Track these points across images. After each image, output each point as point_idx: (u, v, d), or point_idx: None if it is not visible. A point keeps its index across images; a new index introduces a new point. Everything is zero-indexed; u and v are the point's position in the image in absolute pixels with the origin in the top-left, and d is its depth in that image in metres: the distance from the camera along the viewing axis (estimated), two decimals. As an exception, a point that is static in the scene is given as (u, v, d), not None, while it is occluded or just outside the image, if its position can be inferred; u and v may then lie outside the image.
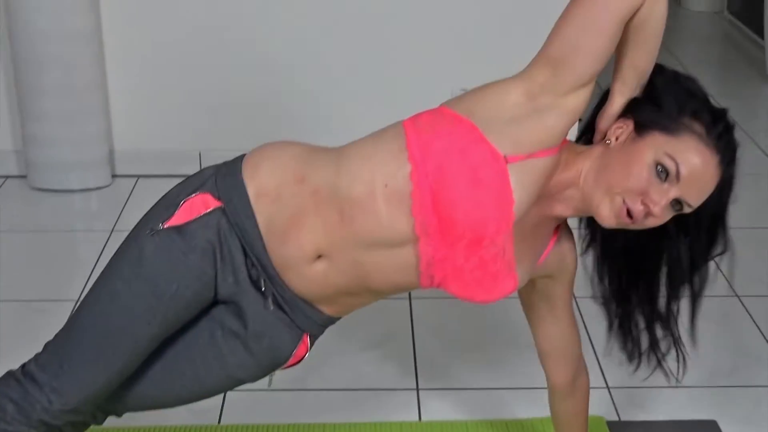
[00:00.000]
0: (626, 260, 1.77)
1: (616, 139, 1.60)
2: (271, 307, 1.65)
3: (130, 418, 1.98)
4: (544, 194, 1.62)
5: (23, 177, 3.49)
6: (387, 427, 2.22)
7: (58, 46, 3.22)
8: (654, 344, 1.80)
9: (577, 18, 1.53)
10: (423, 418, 2.28)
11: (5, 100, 3.43)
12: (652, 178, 1.54)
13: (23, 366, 1.70)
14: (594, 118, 1.66)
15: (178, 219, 1.61)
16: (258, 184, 1.62)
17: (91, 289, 1.69)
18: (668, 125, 1.55)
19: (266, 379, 1.78)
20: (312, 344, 1.74)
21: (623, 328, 1.82)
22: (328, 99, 3.47)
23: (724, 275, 2.87)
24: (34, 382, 1.66)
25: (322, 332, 1.76)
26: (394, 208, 1.55)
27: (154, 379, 1.73)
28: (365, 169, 1.57)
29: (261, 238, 1.61)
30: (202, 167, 3.43)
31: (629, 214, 1.56)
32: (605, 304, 1.82)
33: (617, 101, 1.60)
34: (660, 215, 1.55)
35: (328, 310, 1.70)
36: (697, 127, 1.55)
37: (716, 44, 5.35)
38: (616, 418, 2.28)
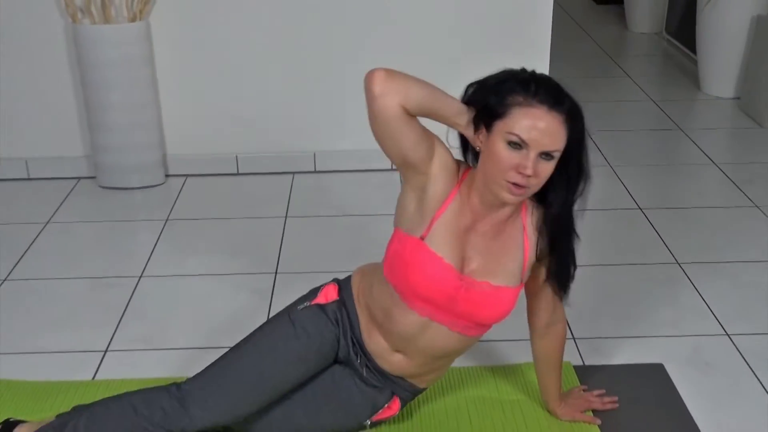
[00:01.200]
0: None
1: (480, 143, 1.66)
2: (365, 373, 1.90)
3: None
4: (468, 223, 1.74)
5: (93, 178, 3.50)
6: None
7: (119, 71, 3.23)
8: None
9: (380, 140, 1.68)
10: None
11: (77, 115, 3.43)
12: (511, 153, 1.60)
13: (180, 385, 1.82)
14: (466, 146, 1.76)
15: (318, 300, 1.90)
16: (357, 288, 1.92)
17: (247, 342, 1.87)
18: (498, 113, 1.61)
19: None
20: (403, 406, 1.97)
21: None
22: (347, 105, 3.46)
23: (668, 248, 2.90)
24: (183, 402, 1.78)
25: (412, 399, 1.99)
26: (402, 312, 1.79)
27: (281, 413, 1.87)
28: (378, 299, 1.84)
29: (360, 328, 1.89)
30: (239, 168, 3.51)
31: (517, 185, 1.62)
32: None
33: (462, 130, 1.69)
34: (535, 172, 1.61)
35: (415, 382, 1.93)
36: (518, 98, 1.60)
37: (657, 59, 5.34)
38: (581, 363, 2.29)
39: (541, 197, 1.75)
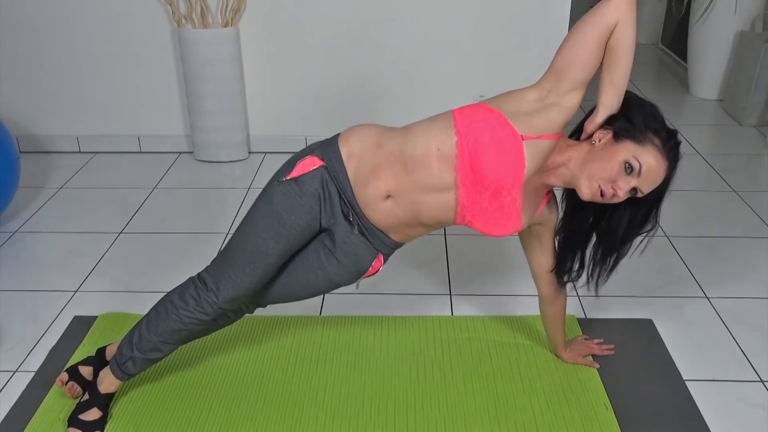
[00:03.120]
0: (585, 220, 1.75)
1: (599, 140, 1.58)
2: (356, 232, 1.68)
3: (263, 311, 1.98)
4: (543, 168, 1.61)
5: (191, 152, 3.51)
6: (429, 319, 2.20)
7: (213, 67, 3.21)
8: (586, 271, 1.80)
9: (571, 39, 1.53)
10: (454, 314, 2.26)
11: (179, 102, 3.43)
12: (622, 172, 1.54)
13: (198, 274, 1.77)
14: (582, 124, 1.64)
15: (295, 173, 1.64)
16: (348, 149, 1.65)
17: (240, 224, 1.73)
18: (636, 136, 1.54)
19: (354, 284, 1.82)
20: (385, 261, 1.76)
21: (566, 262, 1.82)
22: (400, 96, 3.41)
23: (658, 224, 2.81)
24: (204, 284, 1.73)
25: (392, 253, 1.77)
26: (443, 165, 1.57)
27: (282, 283, 1.77)
28: (424, 138, 1.60)
29: (350, 185, 1.64)
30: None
31: (602, 194, 1.56)
32: (562, 247, 1.80)
33: (601, 114, 1.58)
34: (622, 197, 1.56)
35: (394, 237, 1.72)
36: (657, 140, 1.54)
37: (653, 66, 5.18)
38: (584, 317, 2.24)
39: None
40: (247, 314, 1.91)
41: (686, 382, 1.95)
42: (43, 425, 1.80)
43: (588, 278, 1.78)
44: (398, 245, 1.76)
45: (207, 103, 3.27)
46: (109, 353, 1.93)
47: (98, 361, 1.92)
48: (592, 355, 2.04)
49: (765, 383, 1.95)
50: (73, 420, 1.77)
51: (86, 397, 1.82)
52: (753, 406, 1.87)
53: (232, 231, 2.76)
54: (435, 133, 1.58)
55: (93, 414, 1.78)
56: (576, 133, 1.67)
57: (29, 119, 3.47)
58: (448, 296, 2.34)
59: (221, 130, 3.34)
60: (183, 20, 3.18)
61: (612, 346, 2.06)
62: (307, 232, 1.69)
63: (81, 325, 2.19)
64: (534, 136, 1.54)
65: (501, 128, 1.53)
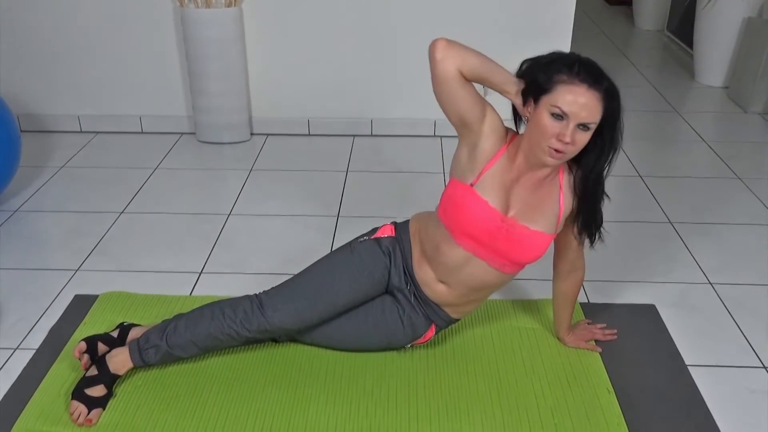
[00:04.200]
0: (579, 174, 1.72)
1: (528, 114, 1.60)
2: (413, 301, 1.87)
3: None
4: (514, 176, 1.68)
5: (192, 133, 3.49)
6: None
7: (216, 47, 3.18)
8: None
9: (443, 101, 1.62)
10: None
11: (181, 82, 3.41)
12: (553, 123, 1.54)
13: (258, 294, 1.85)
14: (516, 115, 1.70)
15: (376, 236, 1.90)
16: (413, 228, 1.89)
17: (313, 264, 1.88)
18: (545, 88, 1.55)
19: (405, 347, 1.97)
20: (437, 333, 1.93)
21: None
22: (400, 79, 3.38)
23: (662, 210, 2.80)
24: (261, 304, 1.82)
25: (445, 327, 1.94)
26: (449, 246, 1.76)
27: (337, 326, 1.89)
28: (431, 235, 1.81)
29: (412, 260, 1.85)
30: (310, 130, 3.48)
31: (556, 151, 1.57)
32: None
33: (514, 99, 1.62)
34: (573, 141, 1.55)
35: (452, 312, 1.89)
36: (563, 76, 1.54)
37: (659, 52, 5.14)
38: (587, 301, 2.23)
39: (577, 162, 1.69)
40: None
41: (689, 368, 1.94)
42: (45, 401, 1.79)
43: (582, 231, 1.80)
44: (452, 321, 1.92)
45: (209, 84, 3.25)
46: (131, 337, 1.92)
47: (119, 341, 1.92)
48: (595, 340, 2.03)
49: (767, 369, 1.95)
50: (78, 393, 1.76)
51: (93, 372, 1.81)
52: (755, 392, 1.87)
53: (234, 212, 2.75)
54: (433, 227, 1.80)
55: (99, 390, 1.78)
56: (518, 125, 1.73)
57: (31, 98, 3.45)
58: (451, 279, 2.33)
59: (223, 111, 3.32)
60: (186, 0, 3.16)
61: (615, 332, 2.05)
62: (377, 286, 1.86)
63: (82, 304, 2.18)
64: (478, 174, 1.66)
65: (455, 191, 1.71)
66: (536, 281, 2.29)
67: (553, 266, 1.92)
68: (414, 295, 1.86)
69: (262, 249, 2.51)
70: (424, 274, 1.83)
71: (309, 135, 3.49)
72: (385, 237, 1.89)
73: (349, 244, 1.91)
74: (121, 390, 1.84)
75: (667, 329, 2.09)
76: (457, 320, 1.93)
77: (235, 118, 3.36)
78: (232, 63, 3.24)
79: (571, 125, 1.54)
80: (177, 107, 3.46)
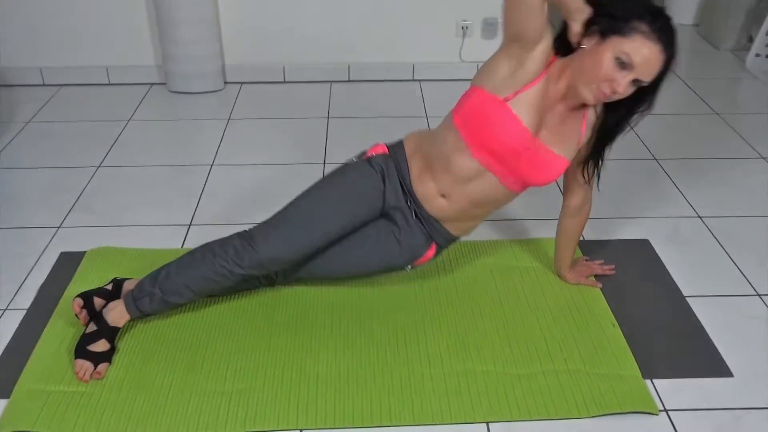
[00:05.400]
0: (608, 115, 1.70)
1: (585, 44, 1.55)
2: (414, 218, 1.79)
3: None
4: (549, 103, 1.63)
5: (163, 84, 3.36)
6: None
7: (184, -9, 3.05)
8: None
9: (510, 14, 1.53)
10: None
11: (149, 30, 3.27)
12: (615, 68, 1.51)
13: (247, 229, 1.77)
14: (563, 37, 1.60)
15: (367, 155, 1.81)
16: (409, 147, 1.81)
17: (304, 192, 1.79)
18: (621, 29, 1.50)
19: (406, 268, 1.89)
20: (438, 252, 1.87)
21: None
22: (375, 24, 3.30)
23: (647, 147, 2.83)
24: (251, 238, 1.74)
25: (446, 246, 1.88)
26: (462, 157, 1.68)
27: (334, 256, 1.82)
28: (440, 139, 1.72)
29: (410, 176, 1.78)
30: (285, 77, 3.38)
31: (603, 95, 1.54)
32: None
33: (575, 25, 1.55)
34: (623, 92, 1.54)
35: (452, 229, 1.83)
36: (643, 26, 1.49)
37: None
38: (582, 239, 2.24)
39: (607, 105, 1.66)
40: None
41: (686, 299, 1.98)
42: (45, 361, 1.74)
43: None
44: (454, 238, 1.86)
45: (179, 31, 3.12)
46: (126, 290, 1.86)
47: (113, 294, 1.86)
48: (595, 276, 2.05)
49: (762, 297, 1.99)
50: (81, 350, 1.71)
51: (93, 328, 1.76)
52: (752, 318, 1.92)
53: (216, 162, 2.68)
54: (445, 134, 1.70)
55: (102, 345, 1.73)
56: (562, 47, 1.63)
57: (-13, 50, 3.28)
58: (446, 222, 2.32)
59: (195, 59, 3.20)
60: (151, -59, 3.00)
61: (613, 267, 2.08)
62: (372, 208, 1.78)
63: (69, 261, 2.11)
64: (516, 91, 1.58)
65: (484, 103, 1.61)
66: (534, 221, 2.30)
67: (564, 203, 1.91)
68: (414, 212, 1.80)
69: (251, 198, 2.45)
70: (425, 188, 1.76)
71: (285, 82, 3.40)
72: (376, 155, 1.81)
73: (340, 168, 1.82)
74: (123, 346, 1.79)
75: (662, 262, 2.13)
76: (458, 238, 1.88)
77: (207, 66, 3.25)
78: (203, 8, 3.11)
79: (630, 77, 1.51)
80: (145, 57, 3.33)
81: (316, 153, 2.75)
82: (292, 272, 1.87)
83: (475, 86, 1.66)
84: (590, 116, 1.70)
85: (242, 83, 3.39)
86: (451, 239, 1.87)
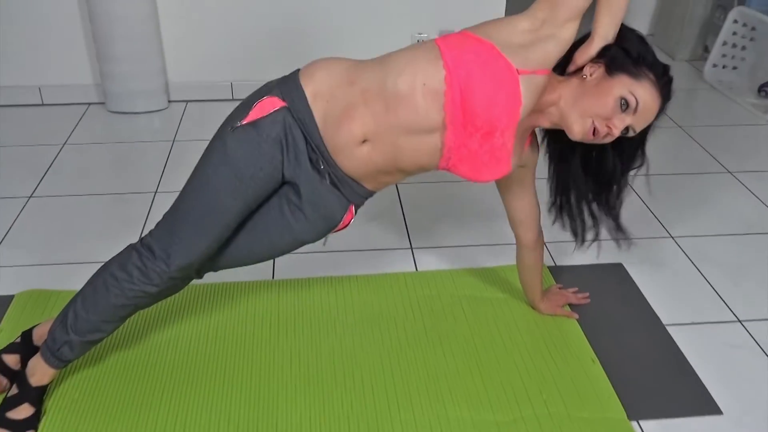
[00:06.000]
0: (574, 164, 1.61)
1: (591, 74, 1.44)
2: (327, 182, 1.49)
3: (210, 278, 1.77)
4: (535, 107, 1.47)
5: (102, 103, 3.15)
6: (393, 277, 2.04)
7: (122, 5, 2.85)
8: (583, 227, 1.72)
9: None
10: (419, 269, 2.10)
11: (85, 46, 3.05)
12: (617, 108, 1.40)
13: (141, 240, 1.52)
14: (570, 55, 1.46)
15: (252, 117, 1.42)
16: (314, 87, 1.43)
17: (189, 178, 1.50)
18: (632, 70, 1.41)
19: (322, 241, 1.63)
20: (356, 213, 1.58)
21: (564, 214, 1.71)
22: (335, 35, 3.15)
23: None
24: (150, 252, 1.49)
25: (363, 203, 1.59)
26: (430, 103, 1.39)
27: (240, 244, 1.55)
28: (407, 72, 1.40)
29: (318, 129, 1.44)
30: (234, 94, 3.20)
31: (594, 132, 1.42)
32: (554, 195, 1.69)
33: (596, 44, 1.42)
34: (616, 135, 1.42)
35: (368, 185, 1.54)
36: (651, 75, 1.42)
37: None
38: (554, 264, 2.13)
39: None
40: (195, 281, 1.68)
41: (667, 327, 1.88)
42: (-37, 430, 1.53)
43: (599, 228, 1.71)
44: (371, 194, 1.59)
45: (117, 47, 2.92)
46: (38, 337, 1.66)
47: (25, 347, 1.66)
48: (569, 305, 1.94)
49: (743, 323, 1.91)
50: (0, 419, 1.51)
51: (14, 391, 1.56)
52: (735, 347, 1.83)
53: (161, 189, 2.49)
54: (420, 66, 1.39)
55: (24, 411, 1.53)
56: (559, 66, 1.50)
57: None
58: (410, 250, 2.18)
59: (135, 76, 3.00)
60: (84, -49, 2.80)
61: (587, 295, 1.97)
62: (269, 185, 1.48)
63: (-5, 307, 1.90)
64: (530, 70, 1.38)
65: (494, 61, 1.36)
66: (484, 247, 2.19)
67: (520, 240, 1.78)
68: (329, 174, 1.48)
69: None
70: (346, 134, 1.42)
71: (233, 100, 3.22)
72: (266, 116, 1.41)
73: (221, 136, 1.46)
74: (53, 405, 1.60)
75: (638, 288, 2.03)
76: (373, 193, 1.58)
77: (149, 84, 3.05)
78: (142, 22, 2.91)
79: (628, 121, 1.41)
80: (82, 75, 3.11)
81: (268, 176, 2.58)
82: (206, 267, 1.62)
83: (477, 36, 1.39)
84: (533, 146, 1.61)
85: (187, 101, 3.20)
86: (368, 194, 1.58)
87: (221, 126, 1.48)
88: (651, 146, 1.58)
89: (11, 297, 1.93)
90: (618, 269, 2.11)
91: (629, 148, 1.55)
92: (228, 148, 1.42)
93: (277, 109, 1.41)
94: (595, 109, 1.41)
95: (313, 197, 1.49)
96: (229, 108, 3.17)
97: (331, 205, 1.52)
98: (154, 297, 1.56)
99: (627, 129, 1.43)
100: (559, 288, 1.99)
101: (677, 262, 2.15)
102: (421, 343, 1.80)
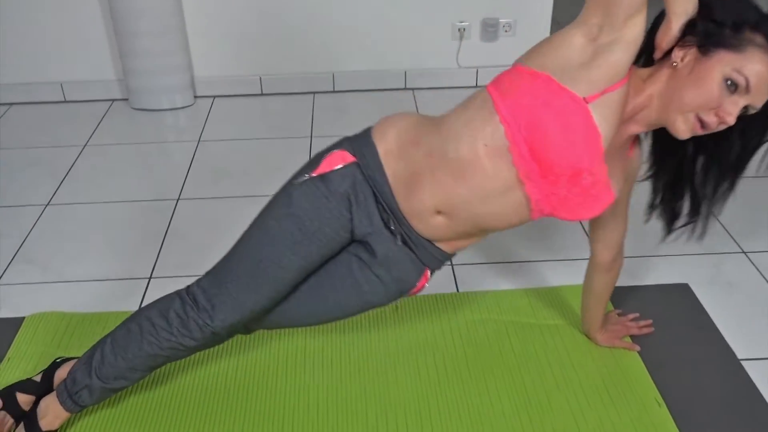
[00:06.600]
0: (683, 155, 1.35)
1: (682, 60, 1.18)
2: (400, 244, 1.37)
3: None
4: (623, 118, 1.24)
5: (125, 100, 3.02)
6: (432, 299, 1.86)
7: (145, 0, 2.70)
8: (693, 216, 1.40)
9: None
10: (460, 289, 1.92)
11: (107, 42, 2.91)
12: (723, 92, 1.15)
13: (187, 287, 1.39)
14: (650, 41, 1.22)
15: (320, 170, 1.34)
16: (385, 144, 1.33)
17: (247, 228, 1.39)
18: (732, 42, 1.14)
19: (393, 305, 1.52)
20: (431, 276, 1.46)
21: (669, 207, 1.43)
22: (362, 27, 2.96)
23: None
24: (195, 302, 1.37)
25: (441, 267, 1.47)
26: (498, 163, 1.23)
27: (301, 302, 1.41)
28: (465, 135, 1.24)
29: (390, 188, 1.33)
30: (263, 89, 3.03)
31: (702, 125, 1.18)
32: (657, 187, 1.43)
33: (675, 23, 1.17)
34: (732, 122, 1.17)
35: (446, 248, 1.41)
36: (759, 38, 1.14)
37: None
38: (610, 285, 1.92)
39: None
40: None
41: (742, 363, 1.67)
42: (-39, 478, 1.41)
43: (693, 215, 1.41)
44: (449, 257, 1.45)
45: (141, 42, 2.77)
46: (59, 379, 1.53)
47: (44, 388, 1.52)
48: (630, 335, 1.73)
49: (830, 357, 1.68)
50: (4, 465, 1.39)
51: None
52: (822, 388, 1.61)
53: (183, 196, 2.34)
54: (477, 126, 1.23)
55: None
56: (642, 56, 1.26)
57: (-75, 67, 2.92)
58: (450, 266, 2.00)
59: (160, 72, 2.86)
60: (103, -60, 2.65)
61: (650, 323, 1.76)
62: (335, 243, 1.37)
63: (4, 329, 1.77)
64: (599, 92, 1.17)
65: (555, 97, 1.16)
66: (552, 262, 1.98)
67: (594, 258, 1.57)
68: (402, 234, 1.37)
69: (222, 241, 2.09)
70: (417, 202, 1.31)
71: (262, 95, 3.05)
72: (335, 171, 1.33)
73: (285, 188, 1.37)
74: (61, 449, 1.47)
75: (707, 313, 1.81)
76: (452, 256, 1.46)
77: (174, 79, 2.90)
78: (167, 16, 2.76)
79: (743, 102, 1.16)
80: (104, 71, 2.97)
81: (297, 181, 2.41)
82: (261, 324, 1.49)
83: (532, 68, 1.19)
84: (636, 153, 1.37)
85: (214, 97, 3.04)
86: (445, 259, 1.45)
87: (287, 181, 1.38)
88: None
89: (21, 319, 1.80)
90: (684, 291, 1.89)
91: (754, 125, 1.25)
92: (293, 200, 1.33)
93: (347, 164, 1.33)
94: (698, 101, 1.17)
95: (386, 258, 1.37)
96: (259, 103, 3.03)
97: (405, 267, 1.39)
98: (191, 350, 1.43)
99: (746, 108, 1.18)
100: (619, 314, 1.78)
101: (751, 282, 1.93)
102: (463, 378, 1.62)
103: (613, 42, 1.15)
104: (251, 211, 2.26)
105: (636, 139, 1.37)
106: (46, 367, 1.61)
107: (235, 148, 2.65)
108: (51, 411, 1.44)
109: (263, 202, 2.35)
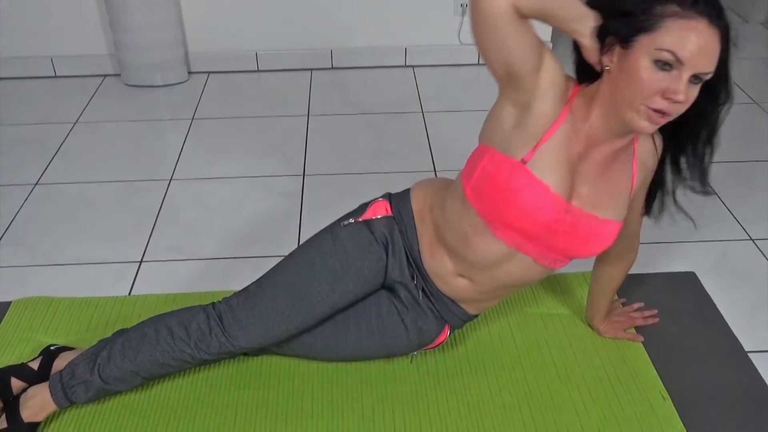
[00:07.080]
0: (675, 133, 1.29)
1: (612, 62, 1.15)
2: (421, 298, 1.45)
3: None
4: (580, 149, 1.23)
5: (118, 75, 2.94)
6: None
7: (137, -32, 2.61)
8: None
9: (483, 46, 1.16)
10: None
11: (98, 15, 2.82)
12: (658, 75, 1.10)
13: (213, 304, 1.40)
14: (581, 61, 1.21)
15: (366, 216, 1.45)
16: (417, 204, 1.45)
17: (285, 259, 1.45)
18: (645, 25, 1.09)
19: (409, 356, 1.60)
20: (451, 334, 1.54)
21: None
22: (361, 2, 2.88)
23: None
24: (220, 320, 1.38)
25: (461, 326, 1.55)
26: (484, 239, 1.32)
27: (322, 336, 1.48)
28: (453, 219, 1.36)
29: (418, 246, 1.44)
30: (259, 65, 2.96)
31: (658, 113, 1.12)
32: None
33: (584, 39, 1.15)
34: (685, 98, 1.11)
35: (472, 309, 1.49)
36: (672, 7, 1.08)
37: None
38: (614, 273, 1.87)
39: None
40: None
41: (749, 355, 1.62)
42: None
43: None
44: (470, 318, 1.52)
45: (133, 15, 2.69)
46: (55, 369, 1.48)
47: (39, 377, 1.48)
48: (634, 327, 1.69)
49: (840, 350, 1.64)
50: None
51: (3, 424, 1.39)
52: (831, 382, 1.56)
53: (176, 176, 2.28)
54: (457, 210, 1.34)
55: None
56: (582, 75, 1.25)
57: None
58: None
59: (153, 47, 2.78)
60: None
61: (655, 313, 1.71)
62: (369, 285, 1.45)
63: (-10, 315, 1.73)
64: (534, 146, 1.19)
65: (500, 169, 1.23)
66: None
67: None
68: (423, 290, 1.46)
69: (215, 224, 2.06)
70: (439, 265, 1.41)
71: (258, 71, 2.97)
72: (378, 218, 1.45)
73: (331, 228, 1.46)
74: (45, 441, 1.42)
75: (714, 304, 1.76)
76: (476, 317, 1.53)
77: (168, 54, 2.82)
78: (159, -12, 2.68)
79: (685, 76, 1.09)
80: (96, 44, 2.89)
81: (293, 161, 2.35)
82: (277, 349, 1.53)
83: (483, 145, 1.29)
84: (641, 152, 1.31)
85: (209, 73, 2.97)
86: (468, 319, 1.52)
87: (331, 223, 1.47)
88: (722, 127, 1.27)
89: (7, 304, 1.76)
90: (690, 279, 1.84)
91: (712, 85, 1.18)
92: (338, 239, 1.42)
93: (387, 216, 1.45)
94: (637, 94, 1.12)
95: (413, 308, 1.46)
96: (256, 79, 2.96)
97: (428, 320, 1.47)
98: (197, 364, 1.47)
99: (696, 78, 1.11)
100: (622, 304, 1.74)
101: (759, 271, 1.88)
102: (463, 371, 1.57)
103: (532, 97, 1.17)
104: (248, 190, 2.22)
105: (636, 144, 1.30)
106: (35, 354, 1.57)
107: (231, 127, 2.58)
108: (36, 402, 1.40)
109: (258, 183, 2.30)
